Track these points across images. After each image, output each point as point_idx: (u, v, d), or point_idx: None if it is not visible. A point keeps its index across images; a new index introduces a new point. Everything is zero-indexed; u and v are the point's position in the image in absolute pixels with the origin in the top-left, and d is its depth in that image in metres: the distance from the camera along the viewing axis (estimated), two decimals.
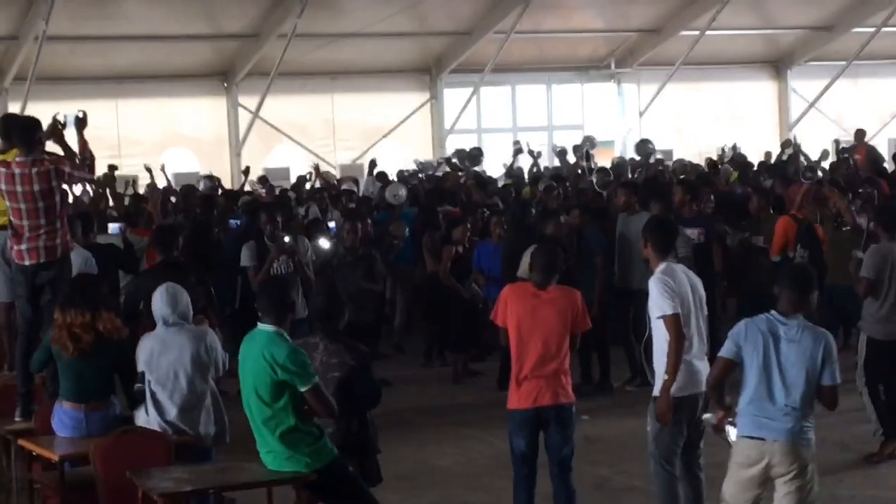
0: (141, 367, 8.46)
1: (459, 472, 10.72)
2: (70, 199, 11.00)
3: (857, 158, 22.63)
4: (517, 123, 30.15)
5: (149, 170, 20.71)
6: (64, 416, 8.68)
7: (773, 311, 7.24)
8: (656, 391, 8.26)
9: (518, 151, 23.62)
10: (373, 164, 23.32)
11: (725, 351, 7.28)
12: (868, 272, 10.51)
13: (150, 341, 8.51)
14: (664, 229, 8.75)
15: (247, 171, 21.94)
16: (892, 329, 10.55)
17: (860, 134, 25.84)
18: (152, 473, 7.65)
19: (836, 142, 27.38)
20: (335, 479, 7.77)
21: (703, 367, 8.21)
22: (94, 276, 10.03)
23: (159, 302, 8.55)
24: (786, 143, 25.33)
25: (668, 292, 8.16)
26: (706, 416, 8.11)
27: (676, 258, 9.12)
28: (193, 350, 8.43)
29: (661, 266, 8.37)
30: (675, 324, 8.07)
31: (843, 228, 12.50)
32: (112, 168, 17.48)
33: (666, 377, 8.11)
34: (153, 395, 8.43)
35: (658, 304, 8.22)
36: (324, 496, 7.94)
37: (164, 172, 21.14)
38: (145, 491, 7.40)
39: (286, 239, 12.85)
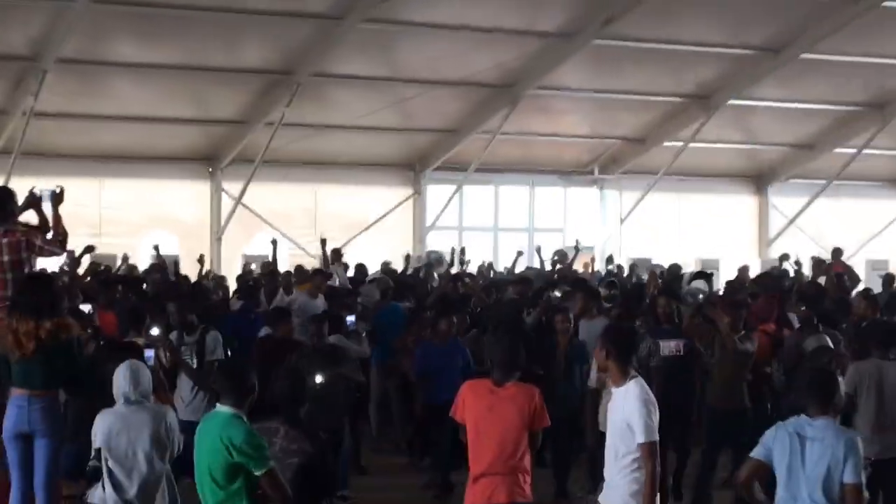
0: (98, 443, 8.37)
1: None
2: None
3: (837, 271, 22.68)
4: (499, 223, 30.29)
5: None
6: (13, 401, 9.44)
7: (802, 415, 7.41)
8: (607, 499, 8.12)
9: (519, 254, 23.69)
10: (337, 253, 23.23)
11: (756, 452, 7.45)
12: (848, 388, 10.44)
13: (110, 418, 8.40)
14: (627, 338, 8.56)
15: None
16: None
17: (837, 252, 25.96)
18: None
19: (814, 258, 27.46)
20: None
21: None
22: (44, 280, 10.18)
23: (121, 379, 8.46)
24: (783, 257, 25.16)
25: (652, 417, 7.96)
26: None
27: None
28: (153, 429, 8.33)
29: (641, 383, 8.12)
30: (654, 453, 7.90)
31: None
32: (89, 249, 17.38)
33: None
34: (111, 473, 8.33)
35: (642, 427, 7.93)
36: None
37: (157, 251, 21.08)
38: None
39: (153, 331, 11.62)
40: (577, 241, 24.47)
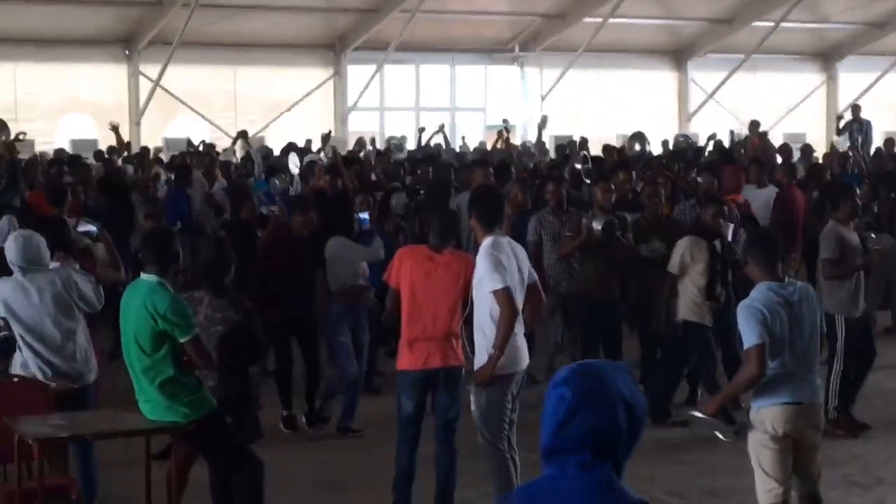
0: (4, 313, 8.39)
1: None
2: None
3: (753, 144, 23.00)
4: (420, 103, 30.26)
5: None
6: None
7: (766, 282, 7.24)
8: (478, 366, 8.18)
9: (421, 130, 23.81)
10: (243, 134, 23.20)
11: (757, 337, 7.06)
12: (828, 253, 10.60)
13: (7, 287, 8.38)
14: (489, 201, 8.60)
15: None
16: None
17: (754, 125, 26.27)
18: (29, 420, 7.61)
19: (732, 132, 27.80)
20: (213, 431, 7.79)
21: (523, 344, 8.27)
22: None
23: (12, 249, 8.36)
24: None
25: (498, 266, 8.02)
26: (696, 413, 8.17)
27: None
28: (52, 291, 8.27)
29: (489, 239, 8.20)
30: (508, 298, 7.94)
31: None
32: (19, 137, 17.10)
33: (493, 351, 8.02)
34: (23, 339, 8.34)
35: (489, 278, 8.03)
36: (201, 447, 7.97)
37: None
38: (21, 436, 7.37)
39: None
40: (504, 120, 24.69)
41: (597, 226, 11.15)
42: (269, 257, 10.97)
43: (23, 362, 8.37)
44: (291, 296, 10.80)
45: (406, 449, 8.68)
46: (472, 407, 8.29)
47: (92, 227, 10.79)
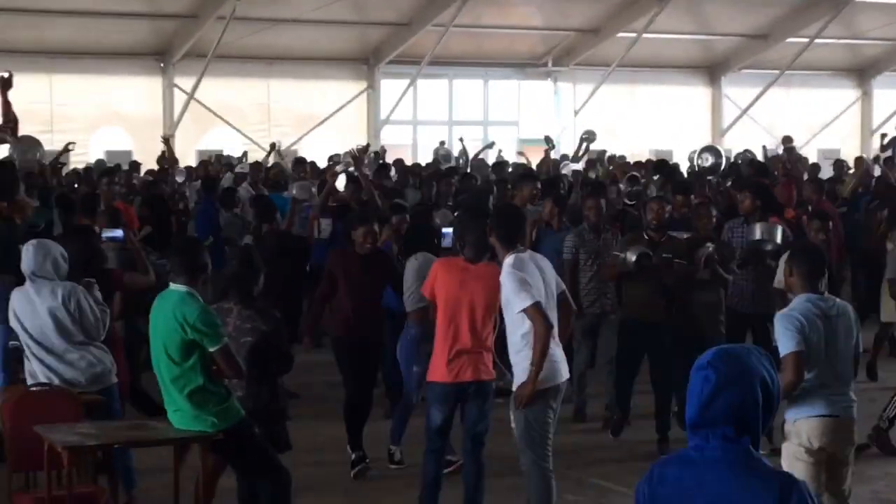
0: (12, 322, 8.47)
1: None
2: None
3: (785, 163, 22.87)
4: (453, 117, 30.28)
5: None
6: None
7: (806, 294, 7.26)
8: (517, 384, 8.08)
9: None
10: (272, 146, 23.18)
11: (793, 345, 7.08)
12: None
13: (17, 296, 8.47)
14: (509, 218, 8.55)
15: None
16: None
17: (787, 141, 26.16)
18: (59, 428, 7.64)
19: (764, 147, 27.69)
20: (241, 441, 7.78)
21: (560, 356, 8.18)
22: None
23: (26, 257, 8.45)
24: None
25: (523, 284, 7.94)
26: None
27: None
28: (53, 304, 8.30)
29: (510, 259, 8.12)
30: (539, 313, 7.86)
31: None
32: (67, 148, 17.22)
33: (532, 368, 7.93)
34: (29, 348, 8.41)
35: (517, 298, 7.95)
36: (230, 458, 7.97)
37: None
38: (51, 444, 7.41)
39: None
40: (547, 137, 24.59)
41: (631, 257, 10.78)
42: (332, 280, 10.27)
43: (31, 371, 8.43)
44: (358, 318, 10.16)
45: (433, 460, 8.68)
46: (513, 425, 8.20)
47: (118, 233, 10.87)
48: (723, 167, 21.66)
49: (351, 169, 16.74)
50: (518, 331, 8.09)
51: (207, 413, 7.63)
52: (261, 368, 8.29)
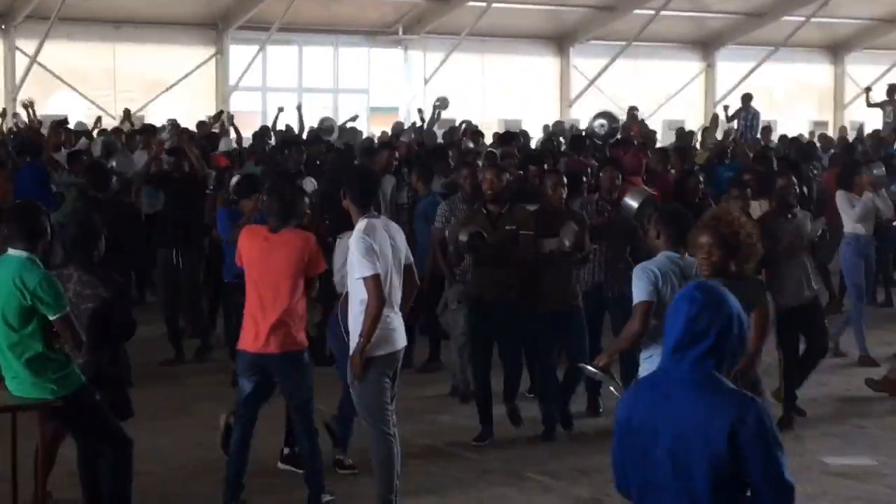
0: None
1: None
2: None
3: (632, 134, 23.26)
4: (303, 84, 30.12)
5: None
6: None
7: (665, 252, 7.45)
8: (352, 351, 8.07)
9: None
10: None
11: (645, 294, 7.29)
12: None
13: None
14: (364, 181, 8.48)
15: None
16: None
17: (632, 111, 26.62)
18: None
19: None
20: (81, 407, 7.70)
21: (398, 324, 8.15)
22: None
23: None
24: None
25: (369, 252, 7.88)
26: (586, 367, 8.08)
27: None
28: None
29: (362, 223, 8.08)
30: (376, 285, 7.83)
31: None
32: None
33: (362, 339, 7.93)
34: None
35: (359, 265, 7.91)
36: (70, 424, 7.88)
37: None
38: None
39: None
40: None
41: (463, 237, 10.19)
42: None
43: None
44: None
45: (239, 428, 8.62)
46: (351, 390, 8.26)
47: None
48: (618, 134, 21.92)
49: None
50: (357, 297, 8.05)
51: (47, 380, 7.53)
52: (102, 335, 8.20)
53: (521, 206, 10.49)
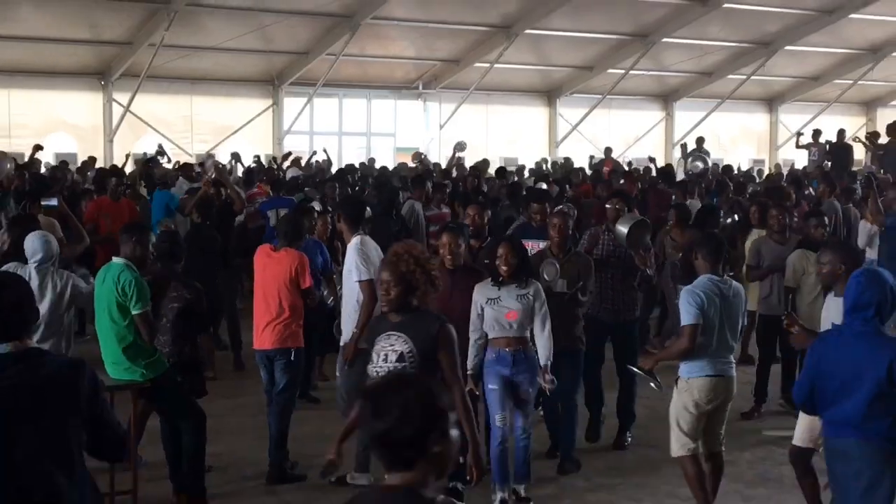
0: None
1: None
2: None
3: (606, 170, 23.24)
4: (342, 129, 30.12)
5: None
6: None
7: (708, 275, 7.14)
8: (347, 340, 8.04)
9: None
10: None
11: (692, 318, 6.97)
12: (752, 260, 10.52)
13: None
14: (355, 206, 8.54)
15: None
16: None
17: (607, 151, 26.61)
18: None
19: (591, 157, 28.11)
20: (165, 388, 7.70)
21: None
22: None
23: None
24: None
25: (366, 260, 7.91)
26: (633, 368, 8.02)
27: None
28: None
29: (357, 239, 8.13)
30: (370, 288, 7.66)
31: None
32: (37, 148, 16.52)
33: (356, 331, 7.87)
34: None
35: (356, 270, 7.94)
36: (156, 401, 7.87)
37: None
38: None
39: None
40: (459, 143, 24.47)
41: None
42: None
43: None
44: None
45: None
46: (337, 373, 8.18)
47: (53, 201, 10.66)
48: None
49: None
50: (353, 298, 8.04)
51: (138, 365, 7.53)
52: (184, 328, 8.20)
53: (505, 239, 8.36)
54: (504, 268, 7.44)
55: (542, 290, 7.68)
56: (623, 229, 9.05)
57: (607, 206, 9.78)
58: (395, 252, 5.66)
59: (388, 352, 5.53)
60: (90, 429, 4.24)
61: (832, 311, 6.78)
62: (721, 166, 24.05)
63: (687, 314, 7.01)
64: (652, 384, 7.71)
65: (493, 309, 7.46)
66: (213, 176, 14.48)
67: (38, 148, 16.16)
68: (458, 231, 7.99)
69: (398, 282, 5.57)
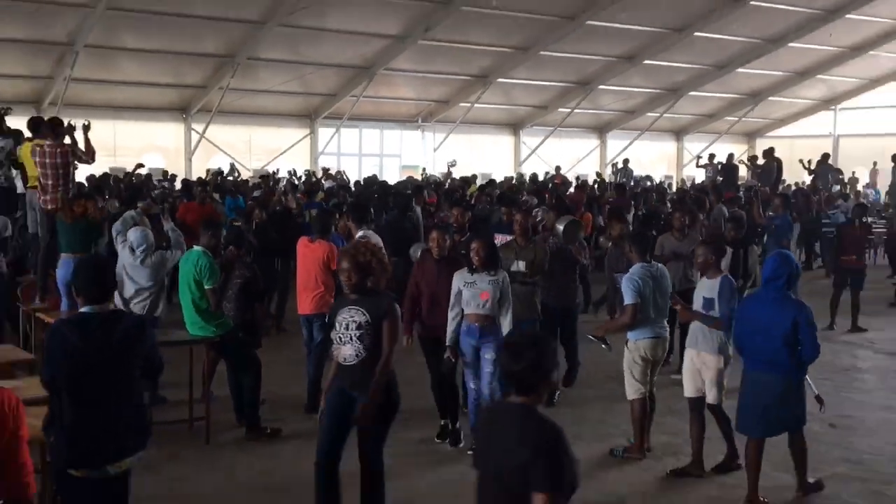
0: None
1: None
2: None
3: (557, 182, 23.25)
4: (362, 151, 30.02)
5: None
6: (63, 264, 8.71)
7: (642, 263, 6.91)
8: None
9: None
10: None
11: (632, 298, 6.75)
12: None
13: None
14: (361, 205, 8.51)
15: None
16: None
17: (557, 169, 26.57)
18: None
19: (546, 173, 28.09)
20: (230, 342, 7.70)
21: None
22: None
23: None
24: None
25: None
26: (588, 335, 7.77)
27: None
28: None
29: (361, 232, 8.02)
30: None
31: None
32: (139, 165, 16.56)
33: None
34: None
35: None
36: (224, 353, 7.87)
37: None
38: None
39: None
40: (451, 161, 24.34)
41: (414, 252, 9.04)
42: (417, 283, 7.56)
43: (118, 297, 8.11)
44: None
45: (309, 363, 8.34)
46: None
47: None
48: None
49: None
50: None
51: (210, 325, 7.54)
52: (244, 299, 8.20)
53: (478, 236, 7.61)
54: (476, 258, 7.07)
55: (508, 277, 7.27)
56: (560, 227, 8.94)
57: (537, 211, 9.52)
58: (354, 246, 5.53)
59: (349, 321, 5.32)
60: (144, 364, 4.31)
61: (704, 289, 6.68)
62: (652, 182, 24.12)
63: (628, 296, 6.86)
64: (603, 346, 7.68)
65: (469, 290, 7.04)
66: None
67: (139, 165, 16.19)
68: (444, 229, 7.84)
69: (357, 269, 5.36)
